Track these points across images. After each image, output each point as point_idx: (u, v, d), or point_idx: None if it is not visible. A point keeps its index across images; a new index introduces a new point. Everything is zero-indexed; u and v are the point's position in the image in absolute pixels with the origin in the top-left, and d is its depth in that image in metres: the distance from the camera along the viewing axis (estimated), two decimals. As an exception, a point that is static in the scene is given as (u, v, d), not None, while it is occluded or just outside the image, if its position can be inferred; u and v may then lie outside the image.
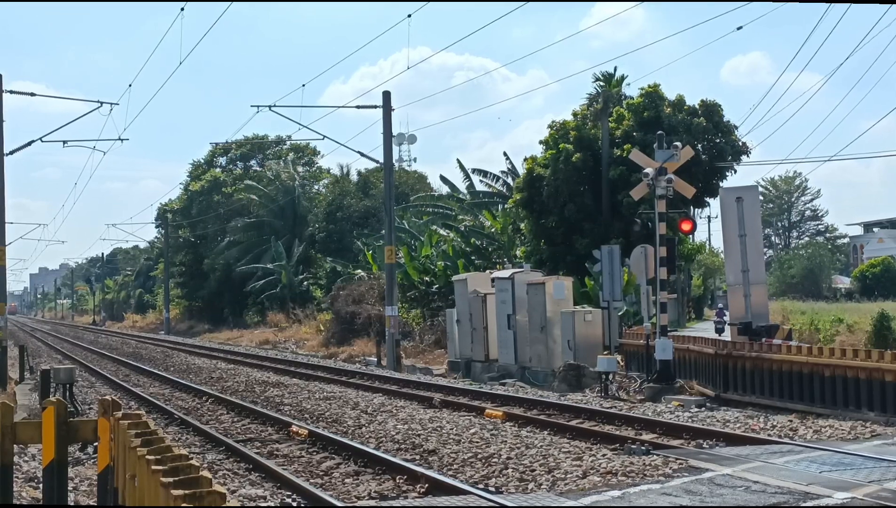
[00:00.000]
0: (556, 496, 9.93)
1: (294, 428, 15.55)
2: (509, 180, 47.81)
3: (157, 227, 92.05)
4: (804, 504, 8.95)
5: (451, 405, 18.54)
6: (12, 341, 43.64)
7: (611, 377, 20.23)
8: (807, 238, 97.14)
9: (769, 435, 13.79)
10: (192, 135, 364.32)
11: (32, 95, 31.23)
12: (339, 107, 69.32)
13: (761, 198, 56.69)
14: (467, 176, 52.43)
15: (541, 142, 38.23)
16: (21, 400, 19.89)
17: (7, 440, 6.88)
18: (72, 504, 10.03)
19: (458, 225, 46.34)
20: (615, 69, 41.95)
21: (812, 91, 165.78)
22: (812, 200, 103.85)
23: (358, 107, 41.03)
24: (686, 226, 22.62)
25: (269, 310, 60.66)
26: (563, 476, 11.12)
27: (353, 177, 67.14)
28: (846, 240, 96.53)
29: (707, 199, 38.01)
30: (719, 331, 30.52)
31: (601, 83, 40.61)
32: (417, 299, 40.89)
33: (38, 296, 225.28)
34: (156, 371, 30.60)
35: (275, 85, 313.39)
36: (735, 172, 36.73)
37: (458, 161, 56.32)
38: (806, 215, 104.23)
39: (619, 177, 34.05)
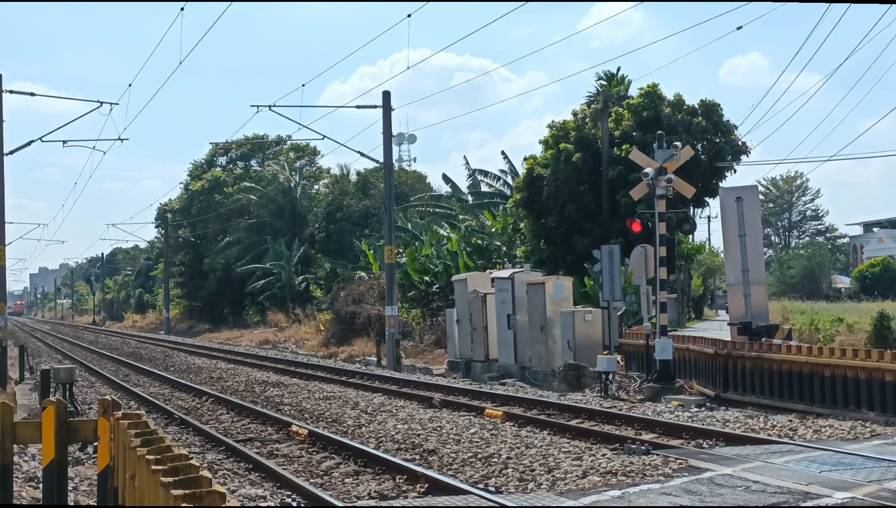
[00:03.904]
0: (555, 496, 9.93)
1: (294, 428, 15.55)
2: (509, 180, 47.80)
3: (157, 227, 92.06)
4: (804, 504, 8.95)
5: (450, 405, 18.54)
6: (12, 341, 43.64)
7: (611, 376, 20.22)
8: (807, 238, 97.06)
9: (769, 435, 13.79)
10: (192, 135, 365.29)
11: (32, 95, 31.27)
12: (338, 107, 69.50)
13: (761, 198, 56.71)
14: (471, 175, 52.35)
15: (541, 142, 38.25)
16: (21, 400, 19.87)
17: (7, 440, 6.88)
18: (72, 504, 10.03)
19: (459, 225, 46.34)
20: (618, 69, 41.90)
21: (811, 91, 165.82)
22: (812, 200, 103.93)
23: (358, 107, 41.04)
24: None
25: (269, 310, 60.65)
26: (562, 475, 11.11)
27: (353, 177, 67.14)
28: (846, 240, 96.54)
29: (707, 199, 38.02)
30: None
31: (603, 82, 40.58)
32: (417, 299, 40.88)
33: (38, 296, 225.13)
34: (156, 371, 30.59)
35: (275, 85, 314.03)
36: (735, 172, 36.71)
37: (465, 159, 56.28)
38: (806, 214, 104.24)
39: (619, 177, 34.04)
